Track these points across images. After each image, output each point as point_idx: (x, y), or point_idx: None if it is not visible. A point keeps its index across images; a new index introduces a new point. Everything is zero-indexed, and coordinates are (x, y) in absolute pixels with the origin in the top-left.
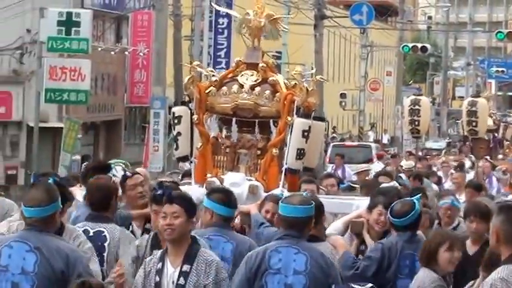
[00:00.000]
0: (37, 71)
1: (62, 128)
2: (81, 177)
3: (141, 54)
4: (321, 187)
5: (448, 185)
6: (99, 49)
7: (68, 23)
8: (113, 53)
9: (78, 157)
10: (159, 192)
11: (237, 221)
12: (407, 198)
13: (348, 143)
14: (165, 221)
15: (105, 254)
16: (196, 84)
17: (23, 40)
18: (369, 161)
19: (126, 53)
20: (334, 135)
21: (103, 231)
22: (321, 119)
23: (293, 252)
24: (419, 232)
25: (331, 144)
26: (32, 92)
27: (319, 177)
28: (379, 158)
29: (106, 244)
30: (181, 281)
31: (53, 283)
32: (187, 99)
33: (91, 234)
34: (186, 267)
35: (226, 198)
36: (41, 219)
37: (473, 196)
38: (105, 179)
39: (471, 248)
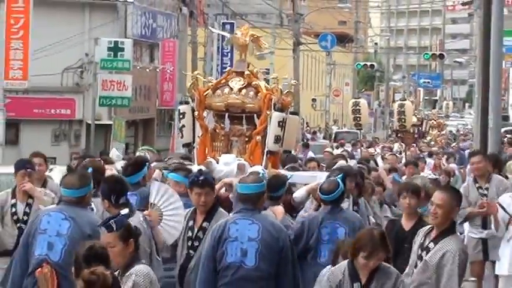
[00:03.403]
0: (93, 84)
1: (111, 124)
2: (123, 172)
3: (168, 71)
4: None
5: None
6: (138, 67)
7: (115, 49)
8: (147, 70)
9: (123, 145)
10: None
11: (223, 190)
12: (333, 178)
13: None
14: (200, 198)
15: None
16: (196, 88)
17: (82, 61)
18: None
19: (157, 70)
20: (307, 128)
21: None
22: (295, 113)
23: (248, 223)
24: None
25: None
26: (89, 99)
27: (305, 160)
28: (341, 145)
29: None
30: (200, 234)
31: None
32: (188, 99)
33: None
34: (205, 224)
35: (188, 173)
36: (74, 198)
37: (413, 170)
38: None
39: (406, 224)
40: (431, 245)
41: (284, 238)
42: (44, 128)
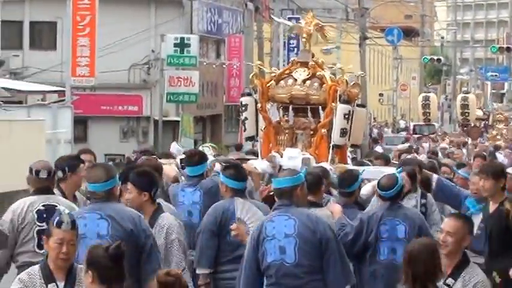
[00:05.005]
0: (160, 80)
1: (178, 121)
2: (187, 160)
3: (234, 67)
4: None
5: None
6: (204, 63)
7: (182, 45)
8: (214, 66)
9: (191, 141)
10: None
11: None
12: (392, 173)
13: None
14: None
15: None
16: (259, 79)
17: (149, 58)
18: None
19: (224, 66)
20: (375, 123)
21: None
22: (363, 105)
23: (284, 219)
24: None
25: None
26: (156, 95)
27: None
28: (407, 140)
29: None
30: None
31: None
32: (251, 91)
33: None
34: None
35: (235, 173)
36: (103, 193)
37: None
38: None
39: (491, 206)
40: (450, 281)
41: (323, 230)
42: (111, 125)
